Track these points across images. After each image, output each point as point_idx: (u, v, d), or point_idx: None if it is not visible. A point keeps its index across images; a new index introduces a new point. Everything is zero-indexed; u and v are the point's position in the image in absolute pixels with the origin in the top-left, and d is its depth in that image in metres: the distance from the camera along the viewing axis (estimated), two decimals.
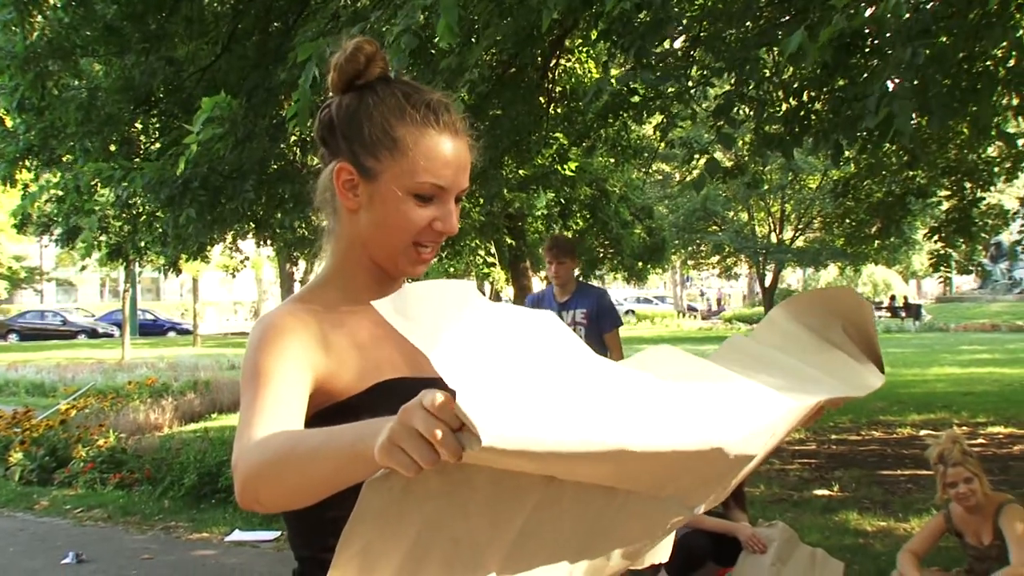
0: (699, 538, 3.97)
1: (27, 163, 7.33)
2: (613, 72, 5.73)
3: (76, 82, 6.62)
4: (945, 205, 9.61)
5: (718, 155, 8.21)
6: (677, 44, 5.95)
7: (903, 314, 33.96)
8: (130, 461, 6.96)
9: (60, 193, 7.59)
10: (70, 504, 6.31)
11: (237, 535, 5.40)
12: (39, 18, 6.13)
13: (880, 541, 4.79)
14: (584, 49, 8.95)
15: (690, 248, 26.87)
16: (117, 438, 7.45)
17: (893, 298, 37.05)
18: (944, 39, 4.04)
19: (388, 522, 0.86)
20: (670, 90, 4.69)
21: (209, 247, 9.40)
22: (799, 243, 24.88)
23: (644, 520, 1.04)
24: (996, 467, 6.29)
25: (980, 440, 7.68)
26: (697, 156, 8.01)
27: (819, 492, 6.07)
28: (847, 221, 11.85)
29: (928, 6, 4.07)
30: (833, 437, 8.34)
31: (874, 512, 5.44)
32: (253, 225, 9.02)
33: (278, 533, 5.31)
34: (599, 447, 0.83)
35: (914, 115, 4.14)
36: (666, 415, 0.89)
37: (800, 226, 24.83)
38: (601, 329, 4.87)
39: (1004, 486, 5.30)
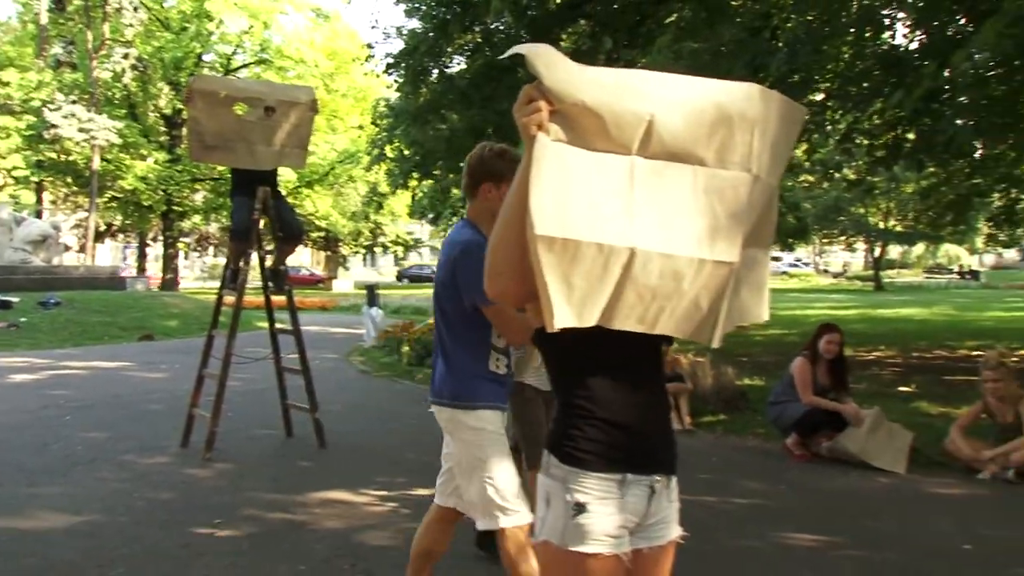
0: (820, 414, 5.80)
1: (414, 176, 11.38)
2: None
3: (442, 126, 10.31)
4: (997, 203, 13.59)
5: (845, 170, 11.10)
6: (818, 97, 8.16)
7: (968, 277, 48.94)
8: None
9: (432, 194, 11.73)
10: None
11: None
12: (423, 89, 9.91)
13: (940, 421, 6.41)
14: None
15: (825, 231, 39.35)
16: None
17: (962, 266, 53.40)
18: (1003, 88, 5.90)
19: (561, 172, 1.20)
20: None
21: None
22: (899, 228, 35.83)
23: (734, 198, 1.29)
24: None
25: (1014, 358, 9.43)
26: (831, 172, 10.55)
27: (902, 388, 8.32)
28: (929, 214, 17.86)
29: (988, 68, 5.88)
30: (914, 354, 11.75)
31: (937, 402, 7.35)
32: None
33: None
34: (637, 82, 1.19)
35: (978, 143, 6.12)
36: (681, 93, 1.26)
37: (900, 217, 35.59)
38: None
39: None
